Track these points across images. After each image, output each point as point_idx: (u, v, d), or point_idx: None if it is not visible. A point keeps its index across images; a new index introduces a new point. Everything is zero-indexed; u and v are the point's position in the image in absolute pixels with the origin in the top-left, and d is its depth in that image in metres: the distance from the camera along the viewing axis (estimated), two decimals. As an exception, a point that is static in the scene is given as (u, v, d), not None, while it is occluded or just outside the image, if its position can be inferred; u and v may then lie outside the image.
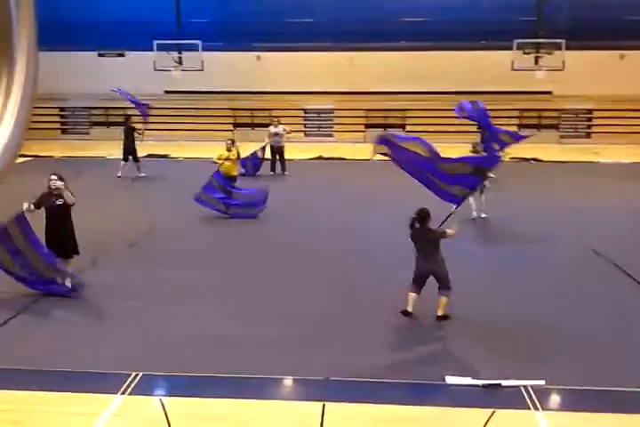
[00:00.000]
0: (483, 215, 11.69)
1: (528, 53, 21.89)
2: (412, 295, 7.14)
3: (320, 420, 5.20)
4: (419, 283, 7.16)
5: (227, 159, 11.96)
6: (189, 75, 22.15)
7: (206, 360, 6.20)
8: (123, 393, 5.57)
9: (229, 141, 12.21)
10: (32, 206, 7.73)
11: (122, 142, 16.03)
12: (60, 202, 7.80)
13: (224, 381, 5.83)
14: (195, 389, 5.70)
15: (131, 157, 15.91)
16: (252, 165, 15.90)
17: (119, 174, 15.77)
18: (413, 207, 7.20)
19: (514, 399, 5.50)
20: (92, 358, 6.24)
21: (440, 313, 7.12)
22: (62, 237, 7.96)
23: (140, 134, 15.97)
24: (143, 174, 15.97)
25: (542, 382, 5.71)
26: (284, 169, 16.59)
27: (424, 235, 7.09)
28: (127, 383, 5.70)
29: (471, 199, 11.20)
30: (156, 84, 23.18)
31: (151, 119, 23.26)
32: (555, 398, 5.69)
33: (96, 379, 5.86)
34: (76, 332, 6.92)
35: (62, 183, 7.83)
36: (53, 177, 7.85)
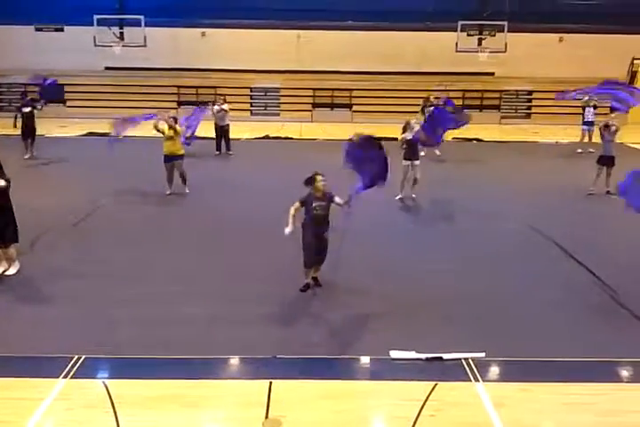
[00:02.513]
0: (413, 195, 11.79)
1: (472, 35, 22.17)
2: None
3: (267, 397, 5.24)
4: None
5: (169, 138, 11.59)
6: (131, 51, 21.53)
7: (150, 342, 6.14)
8: (65, 377, 5.47)
9: (172, 119, 11.75)
10: None
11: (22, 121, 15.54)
12: None
13: (168, 362, 5.78)
14: (138, 371, 5.65)
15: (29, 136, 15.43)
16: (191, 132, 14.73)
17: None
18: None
19: (455, 372, 5.67)
20: (33, 343, 6.09)
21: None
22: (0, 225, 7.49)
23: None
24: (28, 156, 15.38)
25: (482, 355, 5.91)
26: (228, 148, 16.43)
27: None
28: (69, 367, 5.60)
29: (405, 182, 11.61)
30: (96, 61, 22.48)
31: (92, 96, 22.79)
32: (494, 370, 5.89)
33: (37, 363, 5.73)
34: (16, 315, 6.72)
35: None
36: None
